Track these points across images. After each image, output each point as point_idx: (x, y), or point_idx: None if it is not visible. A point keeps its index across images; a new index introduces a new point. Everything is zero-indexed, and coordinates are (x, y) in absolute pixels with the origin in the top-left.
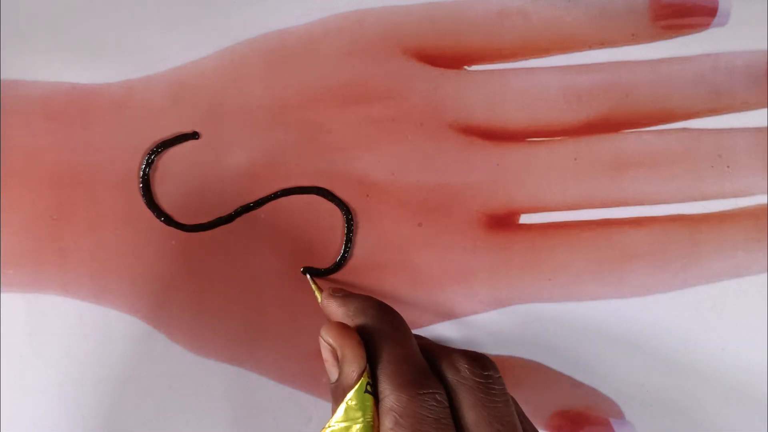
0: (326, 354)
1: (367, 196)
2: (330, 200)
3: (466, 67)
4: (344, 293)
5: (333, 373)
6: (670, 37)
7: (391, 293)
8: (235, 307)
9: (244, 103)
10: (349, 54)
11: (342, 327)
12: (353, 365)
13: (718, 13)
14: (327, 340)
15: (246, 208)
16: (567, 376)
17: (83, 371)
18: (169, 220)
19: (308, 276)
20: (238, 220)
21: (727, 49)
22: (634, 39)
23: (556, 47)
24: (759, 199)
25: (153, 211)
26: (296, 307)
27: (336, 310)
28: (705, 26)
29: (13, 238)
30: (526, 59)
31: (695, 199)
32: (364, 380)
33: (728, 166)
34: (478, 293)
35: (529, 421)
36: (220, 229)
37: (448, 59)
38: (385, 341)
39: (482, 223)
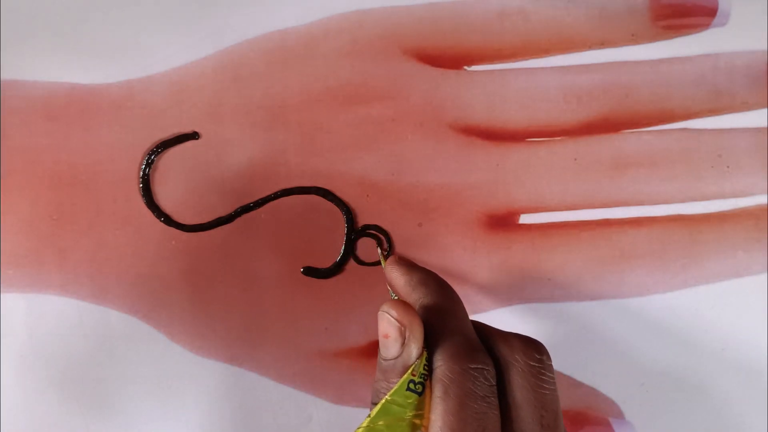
0: (390, 329)
1: (367, 196)
2: (330, 200)
3: (466, 67)
4: (409, 263)
5: (393, 349)
6: (670, 37)
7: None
8: (235, 307)
9: (244, 103)
10: (348, 54)
11: (409, 305)
12: (418, 342)
13: (718, 13)
14: (396, 316)
15: (246, 208)
16: (567, 376)
17: (83, 371)
18: (169, 220)
19: (378, 247)
20: (238, 220)
21: (727, 49)
22: (634, 39)
23: (556, 47)
24: (759, 199)
25: (153, 211)
26: (296, 307)
27: (399, 277)
28: (705, 26)
29: (13, 238)
30: (526, 59)
31: (695, 199)
32: (424, 354)
33: (728, 166)
34: (478, 293)
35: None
36: (220, 230)
37: (448, 59)
38: (443, 314)
39: (482, 223)
